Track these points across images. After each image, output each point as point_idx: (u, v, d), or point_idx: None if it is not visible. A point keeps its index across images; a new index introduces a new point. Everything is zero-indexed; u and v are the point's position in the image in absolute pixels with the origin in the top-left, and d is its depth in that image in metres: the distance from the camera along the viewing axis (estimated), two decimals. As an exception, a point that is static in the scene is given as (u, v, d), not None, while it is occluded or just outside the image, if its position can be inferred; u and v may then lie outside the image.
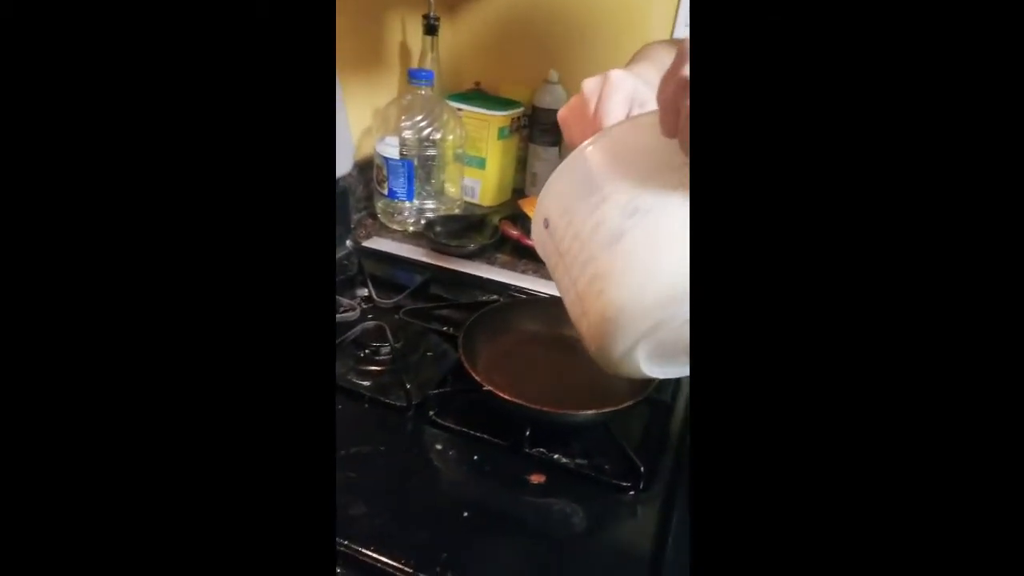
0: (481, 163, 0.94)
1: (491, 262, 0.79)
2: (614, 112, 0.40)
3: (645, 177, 0.37)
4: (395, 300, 0.67)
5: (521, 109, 0.96)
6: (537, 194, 0.41)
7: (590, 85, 0.42)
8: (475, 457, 0.48)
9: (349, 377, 0.55)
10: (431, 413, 0.51)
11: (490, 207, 0.96)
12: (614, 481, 0.46)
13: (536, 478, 0.46)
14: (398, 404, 0.52)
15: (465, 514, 0.42)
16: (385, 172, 0.83)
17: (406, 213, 0.86)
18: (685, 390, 0.57)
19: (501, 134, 0.93)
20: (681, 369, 0.40)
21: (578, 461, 0.48)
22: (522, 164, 1.02)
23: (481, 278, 0.74)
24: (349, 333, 0.59)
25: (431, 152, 0.84)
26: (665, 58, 0.51)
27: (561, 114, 0.44)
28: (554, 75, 0.95)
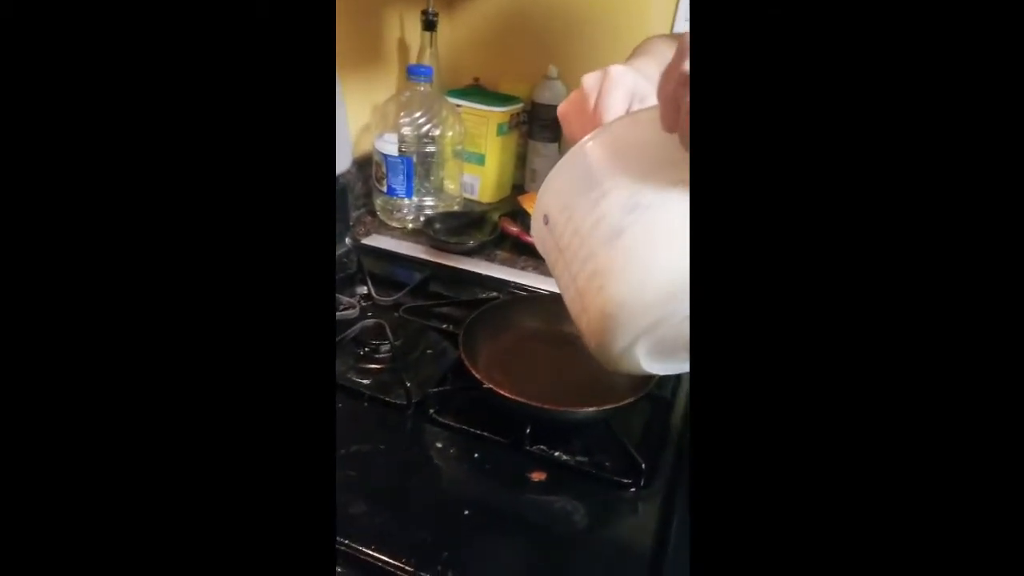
0: (480, 159, 0.94)
1: (491, 259, 0.79)
2: (614, 107, 0.40)
3: (646, 173, 0.37)
4: (395, 298, 0.67)
5: (520, 105, 0.96)
6: (537, 190, 0.41)
7: (590, 80, 0.42)
8: (476, 455, 0.48)
9: (349, 375, 0.55)
10: (431, 411, 0.51)
11: (489, 204, 0.96)
12: (615, 478, 0.46)
13: (537, 476, 0.46)
14: (398, 402, 0.52)
15: (466, 512, 0.42)
16: (384, 169, 0.83)
17: (405, 210, 0.86)
18: (685, 386, 0.56)
19: (500, 130, 0.92)
20: (681, 365, 0.40)
21: (579, 458, 0.48)
22: (521, 160, 1.02)
23: (481, 275, 0.74)
24: (349, 331, 0.59)
25: (430, 149, 0.83)
26: (665, 53, 0.51)
27: (561, 109, 0.44)
28: (553, 70, 0.95)
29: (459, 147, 0.89)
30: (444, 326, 0.63)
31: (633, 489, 0.45)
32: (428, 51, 0.89)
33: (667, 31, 0.91)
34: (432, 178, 0.86)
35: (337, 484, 0.43)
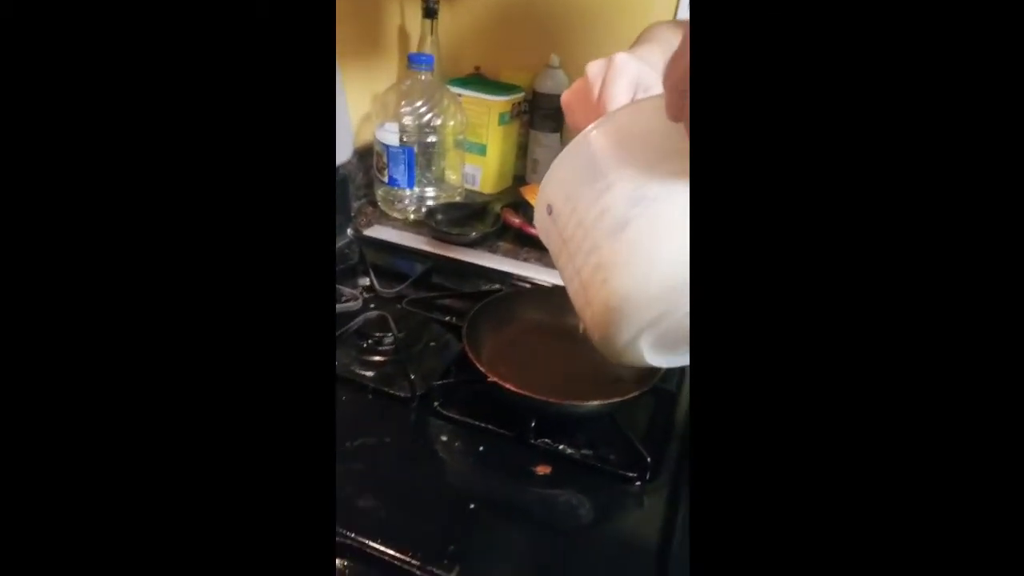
0: (482, 150, 0.93)
1: (493, 250, 0.79)
2: (619, 96, 0.39)
3: (650, 163, 0.36)
4: (397, 290, 0.67)
5: (522, 94, 0.95)
6: (539, 181, 0.40)
7: (594, 68, 0.41)
8: (480, 448, 0.47)
9: (352, 368, 0.55)
10: (435, 404, 0.50)
11: (491, 194, 0.95)
12: (620, 472, 0.46)
13: (542, 469, 0.46)
14: (402, 395, 0.52)
15: (471, 506, 0.42)
16: (385, 159, 0.82)
17: (406, 201, 0.85)
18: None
19: (502, 120, 0.91)
20: (685, 358, 0.40)
21: (584, 452, 0.47)
22: (523, 150, 1.01)
23: (483, 267, 0.74)
24: (351, 323, 0.59)
25: (431, 139, 0.83)
26: (670, 39, 0.50)
27: (565, 98, 0.43)
28: (555, 59, 0.94)
29: (460, 137, 0.88)
30: (447, 318, 0.62)
31: (638, 483, 0.45)
32: (429, 39, 0.88)
33: (670, 17, 0.90)
34: (433, 168, 0.86)
35: (343, 477, 0.43)
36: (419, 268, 0.72)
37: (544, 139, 0.97)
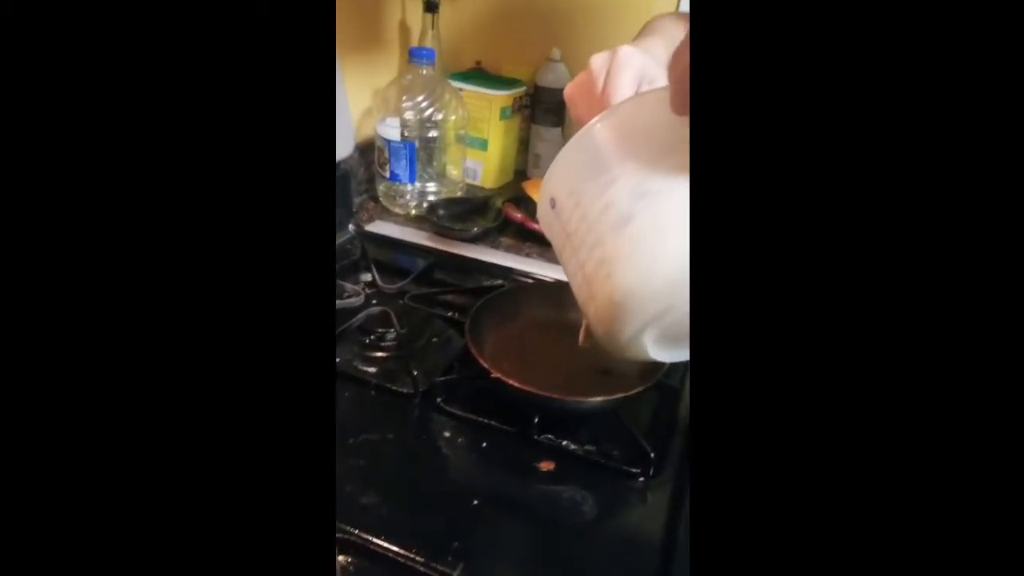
0: (483, 144, 0.93)
1: (495, 246, 0.78)
2: (623, 89, 0.39)
3: (655, 157, 0.36)
4: (399, 285, 0.66)
5: (523, 88, 0.94)
6: (540, 176, 0.40)
7: (598, 61, 0.40)
8: (483, 444, 0.47)
9: (354, 364, 0.55)
10: (438, 400, 0.50)
11: (492, 189, 0.95)
12: (624, 467, 0.45)
13: (545, 465, 0.46)
14: (404, 391, 0.51)
15: (475, 502, 0.42)
16: (387, 154, 0.82)
17: (408, 196, 0.85)
18: (694, 374, 0.56)
19: (503, 114, 0.91)
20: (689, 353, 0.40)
21: (587, 448, 0.47)
22: (524, 145, 1.00)
23: (485, 262, 0.74)
24: (354, 319, 0.59)
25: (433, 133, 0.82)
26: (674, 32, 0.49)
27: (568, 91, 0.43)
28: (557, 53, 0.93)
29: (462, 131, 0.87)
30: (449, 314, 0.62)
31: (642, 478, 0.45)
32: (430, 33, 0.88)
33: (673, 10, 0.89)
34: (435, 163, 0.85)
35: (346, 473, 0.43)
36: (421, 264, 0.72)
37: (546, 133, 0.97)
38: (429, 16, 0.86)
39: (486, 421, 0.49)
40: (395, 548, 0.38)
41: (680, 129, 0.34)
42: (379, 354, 0.56)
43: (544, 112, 0.95)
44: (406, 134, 0.80)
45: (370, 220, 0.83)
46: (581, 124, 0.38)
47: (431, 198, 0.85)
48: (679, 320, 0.35)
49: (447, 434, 0.48)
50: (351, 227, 0.78)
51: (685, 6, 0.89)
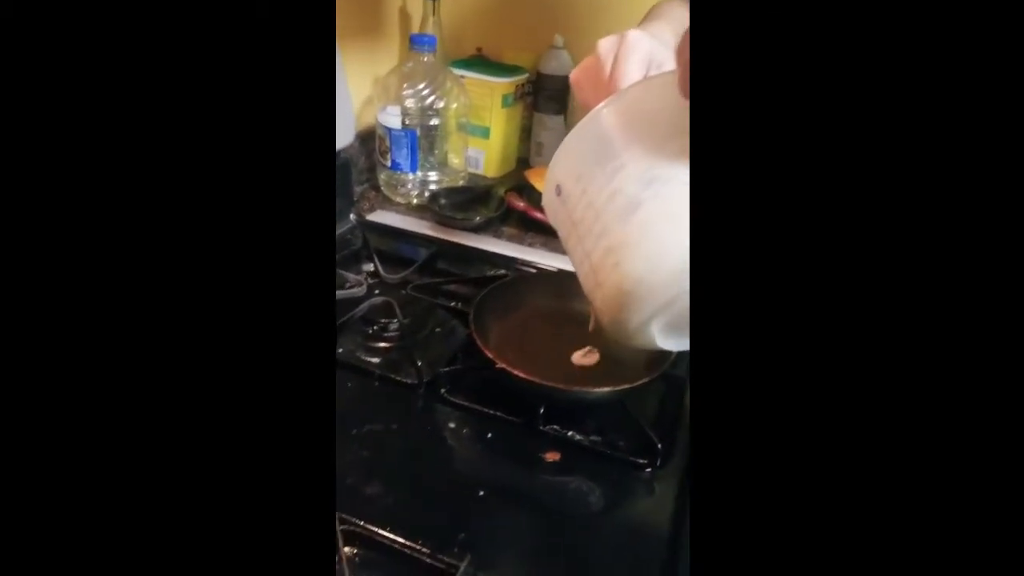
0: (485, 132, 0.92)
1: (497, 235, 0.78)
2: (631, 74, 0.38)
3: (663, 142, 0.35)
4: (402, 275, 0.66)
5: (526, 76, 0.93)
6: (543, 165, 0.40)
7: (605, 45, 0.40)
8: (489, 435, 0.47)
9: (357, 354, 0.54)
10: (442, 391, 0.50)
11: (495, 178, 0.94)
12: (630, 458, 0.45)
13: (551, 456, 0.45)
14: (408, 381, 0.51)
15: (480, 493, 0.42)
16: (388, 143, 0.81)
17: (409, 185, 0.84)
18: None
19: (505, 102, 0.90)
20: None
21: (593, 438, 0.47)
22: (527, 133, 0.99)
23: (488, 252, 0.73)
24: (356, 309, 0.58)
25: (434, 121, 0.81)
26: (680, 16, 0.48)
27: (574, 76, 0.42)
28: (559, 40, 0.92)
29: (463, 119, 0.86)
30: (452, 304, 0.62)
31: (649, 469, 0.45)
32: (431, 20, 0.86)
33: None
34: (436, 152, 0.84)
35: (350, 464, 0.43)
36: (423, 253, 0.71)
37: (548, 121, 0.96)
38: (430, 3, 0.85)
39: (491, 412, 0.48)
40: (401, 539, 0.37)
41: (688, 113, 0.33)
42: (382, 344, 0.56)
43: (546, 100, 0.94)
44: (407, 122, 0.79)
45: (371, 210, 0.82)
46: (587, 109, 0.38)
47: (433, 187, 0.84)
48: (687, 308, 0.35)
49: (452, 425, 0.48)
50: (352, 217, 0.78)
51: (690, -9, 0.88)
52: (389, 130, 0.80)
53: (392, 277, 0.66)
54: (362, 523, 0.38)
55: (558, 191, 0.40)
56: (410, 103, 0.79)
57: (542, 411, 0.47)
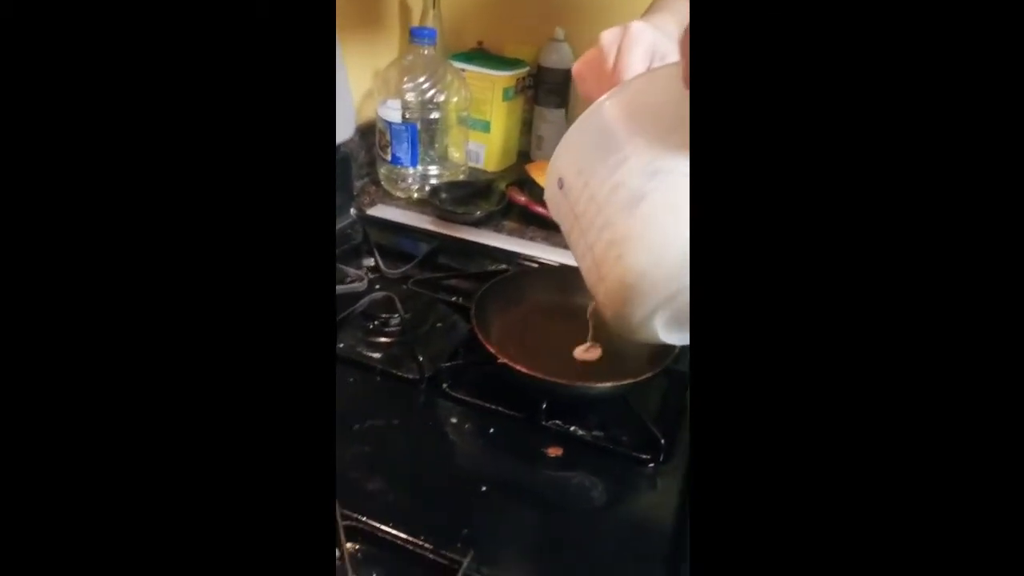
0: (485, 126, 0.91)
1: (498, 229, 0.77)
2: (635, 65, 0.38)
3: (666, 134, 0.35)
4: (403, 270, 0.66)
5: (526, 69, 0.92)
6: (544, 159, 0.39)
7: (608, 37, 0.39)
8: (491, 430, 0.47)
9: (359, 349, 0.54)
10: (444, 386, 0.50)
11: (495, 172, 0.94)
12: (633, 453, 0.45)
13: (553, 451, 0.45)
14: (410, 377, 0.51)
15: (483, 488, 0.42)
16: (388, 137, 0.80)
17: (410, 180, 0.84)
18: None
19: (506, 95, 0.89)
20: None
21: (595, 433, 0.47)
22: (527, 127, 0.99)
23: (489, 246, 0.73)
24: (357, 304, 0.58)
25: (434, 115, 0.81)
26: (684, 7, 0.48)
27: (576, 68, 0.42)
28: (560, 32, 0.91)
29: (464, 113, 0.86)
30: (453, 299, 0.61)
31: (652, 464, 0.44)
32: (431, 13, 0.86)
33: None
34: (436, 146, 0.84)
35: (352, 460, 0.43)
36: (424, 248, 0.71)
37: (549, 115, 0.95)
38: (430, -5, 0.84)
39: (493, 407, 0.48)
40: (403, 535, 0.37)
41: (693, 105, 0.33)
42: (383, 339, 0.55)
43: (547, 93, 0.94)
44: (407, 116, 0.79)
45: (372, 204, 0.82)
46: (590, 102, 0.37)
47: (433, 181, 0.84)
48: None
49: (454, 420, 0.48)
50: (352, 211, 0.77)
51: (692, -17, 0.87)
52: (389, 124, 0.79)
53: (393, 272, 0.65)
54: (364, 519, 0.38)
55: (560, 184, 0.39)
56: (410, 97, 0.78)
57: (544, 406, 0.47)
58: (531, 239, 0.75)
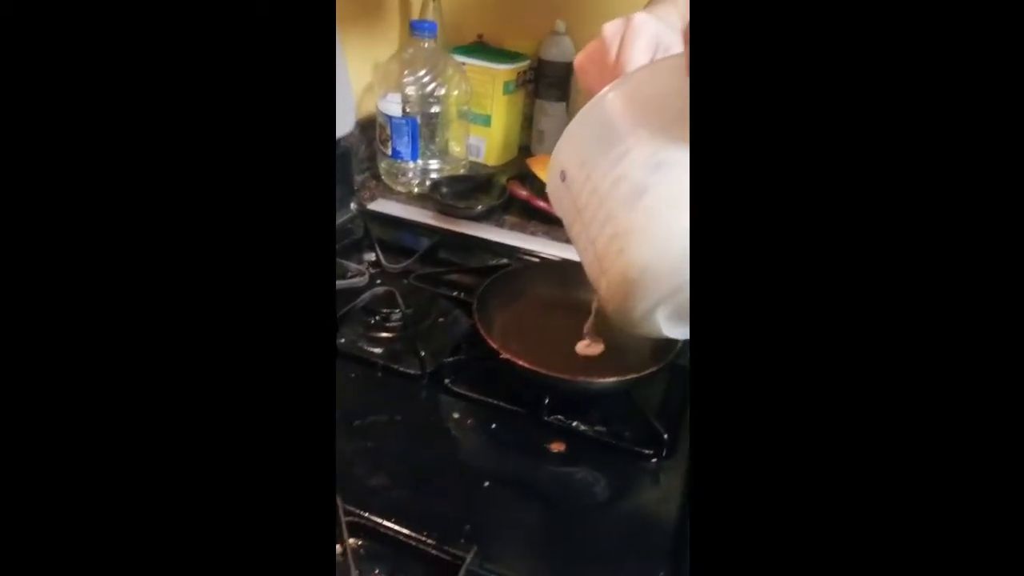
0: (486, 120, 0.91)
1: (499, 224, 0.77)
2: (638, 57, 0.37)
3: (669, 126, 0.35)
4: (404, 265, 0.65)
5: (527, 62, 0.92)
6: (545, 152, 0.39)
7: (611, 29, 0.39)
8: (493, 426, 0.47)
9: (360, 344, 0.54)
10: (446, 381, 0.50)
11: (496, 166, 0.93)
12: (636, 449, 0.45)
13: (556, 446, 0.45)
14: (412, 372, 0.51)
15: (486, 484, 0.42)
16: (388, 131, 0.80)
17: (410, 174, 0.83)
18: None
19: (507, 89, 0.89)
20: None
21: (598, 429, 0.47)
22: (528, 121, 0.98)
23: (490, 241, 0.72)
24: (358, 300, 0.58)
25: (435, 109, 0.80)
26: (686, -1, 0.47)
27: (578, 60, 0.41)
28: (561, 25, 0.91)
29: (464, 107, 0.85)
30: (455, 293, 0.61)
31: (654, 460, 0.44)
32: (431, 6, 0.85)
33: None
34: (437, 140, 0.84)
35: (353, 455, 0.43)
36: (425, 243, 0.71)
37: (550, 109, 0.94)
38: (430, -12, 0.84)
39: (495, 402, 0.48)
40: (406, 531, 0.37)
41: (696, 97, 0.32)
42: (385, 335, 0.55)
43: (548, 87, 0.93)
44: (408, 110, 0.78)
45: (372, 198, 0.81)
46: (592, 94, 0.37)
47: (434, 176, 0.84)
48: (693, 297, 0.34)
49: (456, 415, 0.48)
50: (353, 206, 0.77)
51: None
52: (390, 118, 0.79)
53: (394, 267, 0.65)
54: (367, 515, 0.38)
55: (563, 177, 0.39)
56: (411, 90, 0.78)
57: (547, 401, 0.47)
58: (532, 233, 0.75)
